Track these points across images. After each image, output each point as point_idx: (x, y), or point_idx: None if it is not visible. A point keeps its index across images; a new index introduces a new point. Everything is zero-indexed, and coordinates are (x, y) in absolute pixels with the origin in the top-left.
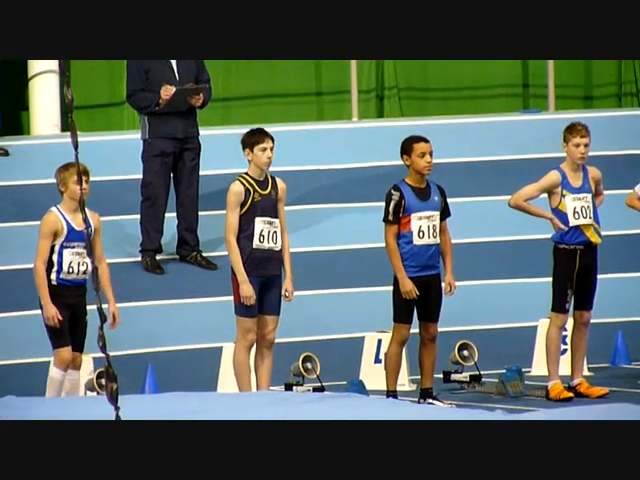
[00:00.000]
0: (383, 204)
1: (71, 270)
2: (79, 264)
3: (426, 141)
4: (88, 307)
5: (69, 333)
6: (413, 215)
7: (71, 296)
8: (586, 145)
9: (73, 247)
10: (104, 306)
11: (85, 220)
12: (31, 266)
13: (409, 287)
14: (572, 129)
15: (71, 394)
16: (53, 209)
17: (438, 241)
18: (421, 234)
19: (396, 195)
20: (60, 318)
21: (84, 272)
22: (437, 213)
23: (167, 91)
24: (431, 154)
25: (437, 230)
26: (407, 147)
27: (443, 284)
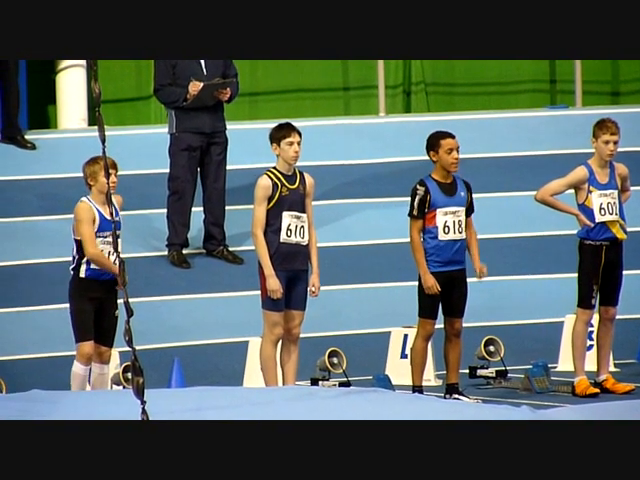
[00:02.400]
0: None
1: None
2: (109, 253)
3: (453, 137)
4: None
5: (95, 327)
6: (439, 210)
7: (99, 290)
8: (615, 142)
9: (105, 237)
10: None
11: (112, 214)
12: (58, 260)
13: (431, 282)
14: (602, 125)
15: (99, 389)
16: (84, 199)
17: (464, 236)
18: (446, 229)
19: (421, 190)
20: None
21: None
22: (463, 209)
23: (195, 87)
24: (458, 150)
25: (463, 225)
26: (434, 143)
27: (474, 275)
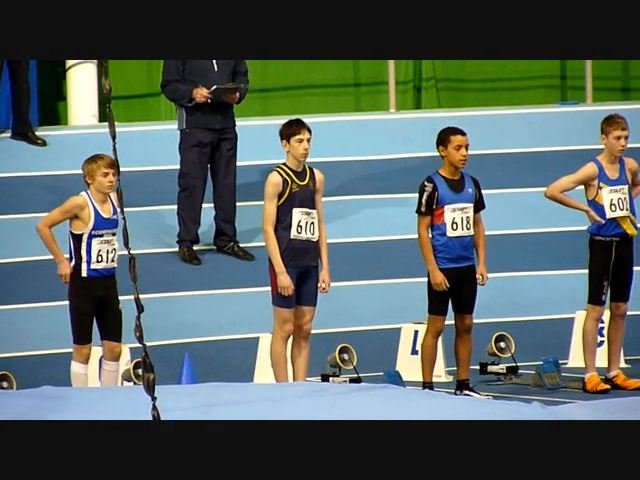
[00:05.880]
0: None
1: (100, 259)
2: (108, 252)
3: (463, 134)
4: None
5: (102, 325)
6: (446, 207)
7: (100, 287)
8: (626, 137)
9: (101, 235)
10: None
11: (122, 211)
12: (68, 256)
13: (439, 279)
14: (612, 122)
15: (109, 385)
16: (83, 193)
17: (472, 233)
18: (454, 226)
19: (429, 187)
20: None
21: (112, 260)
22: (471, 205)
23: (200, 94)
24: (467, 147)
25: (471, 222)
26: (444, 138)
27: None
